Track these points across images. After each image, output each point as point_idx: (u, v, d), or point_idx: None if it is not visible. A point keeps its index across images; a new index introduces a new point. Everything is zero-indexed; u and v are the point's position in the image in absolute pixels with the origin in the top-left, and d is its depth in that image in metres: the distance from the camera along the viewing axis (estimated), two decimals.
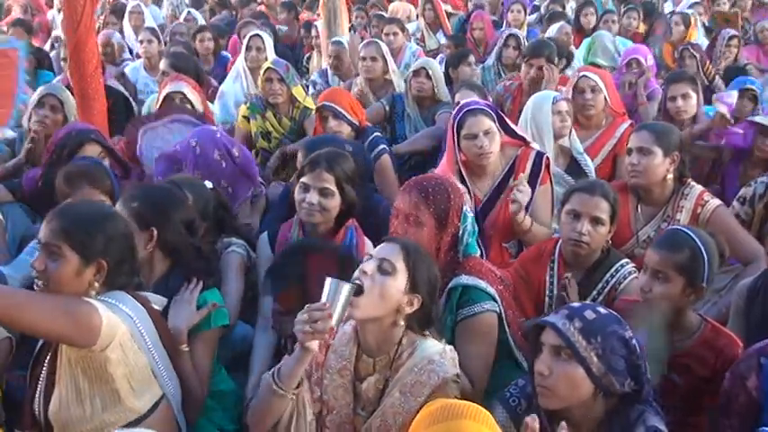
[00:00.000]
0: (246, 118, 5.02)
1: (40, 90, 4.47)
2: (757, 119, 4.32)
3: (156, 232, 2.69)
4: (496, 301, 2.70)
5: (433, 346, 2.32)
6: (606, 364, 2.07)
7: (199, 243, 2.82)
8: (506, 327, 2.74)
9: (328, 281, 2.14)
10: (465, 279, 2.69)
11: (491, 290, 2.70)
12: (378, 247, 2.34)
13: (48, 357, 2.33)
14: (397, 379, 2.28)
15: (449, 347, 2.36)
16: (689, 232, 2.68)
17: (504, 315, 2.73)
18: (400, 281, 2.25)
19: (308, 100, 5.05)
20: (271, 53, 5.95)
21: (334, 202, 3.09)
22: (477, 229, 2.84)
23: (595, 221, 3.00)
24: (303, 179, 3.11)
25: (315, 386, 2.36)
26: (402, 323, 2.30)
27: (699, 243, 2.61)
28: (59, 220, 2.21)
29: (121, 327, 2.22)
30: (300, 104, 4.94)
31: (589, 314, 2.12)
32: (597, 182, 3.34)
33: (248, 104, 5.05)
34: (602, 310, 2.17)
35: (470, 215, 2.77)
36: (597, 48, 6.45)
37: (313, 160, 3.15)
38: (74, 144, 3.71)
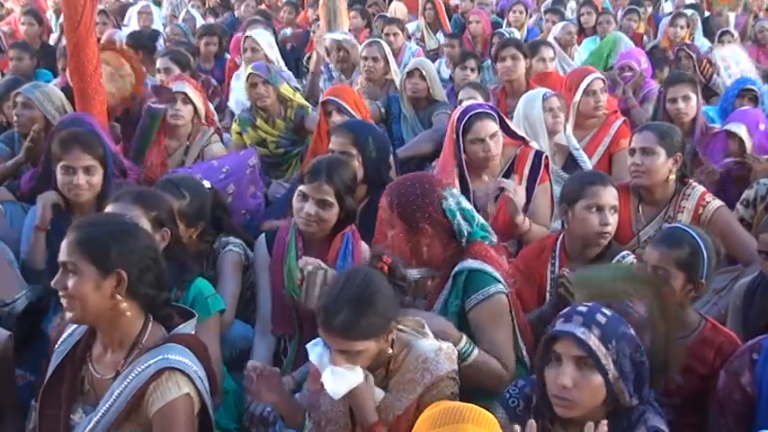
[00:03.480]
0: (239, 133, 4.96)
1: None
2: (727, 127, 4.26)
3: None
4: (502, 283, 2.66)
5: (427, 345, 2.32)
6: (618, 368, 2.08)
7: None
8: (513, 314, 2.70)
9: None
10: (470, 263, 2.64)
11: (496, 273, 2.65)
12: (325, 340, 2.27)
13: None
14: (396, 380, 2.30)
15: (445, 344, 2.35)
16: (687, 229, 2.70)
17: (509, 297, 2.69)
18: (367, 347, 2.22)
19: (298, 96, 4.97)
20: (270, 51, 5.87)
21: (332, 213, 3.04)
22: (478, 218, 2.75)
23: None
24: (302, 188, 3.05)
25: (314, 398, 2.38)
26: (390, 347, 2.30)
27: (698, 239, 2.62)
28: (74, 235, 2.14)
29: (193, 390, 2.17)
30: (293, 102, 4.84)
31: (601, 318, 2.12)
32: (599, 172, 3.37)
33: (237, 120, 4.96)
34: (607, 311, 2.17)
35: (458, 208, 2.67)
36: (619, 51, 6.37)
37: (313, 170, 3.07)
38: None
